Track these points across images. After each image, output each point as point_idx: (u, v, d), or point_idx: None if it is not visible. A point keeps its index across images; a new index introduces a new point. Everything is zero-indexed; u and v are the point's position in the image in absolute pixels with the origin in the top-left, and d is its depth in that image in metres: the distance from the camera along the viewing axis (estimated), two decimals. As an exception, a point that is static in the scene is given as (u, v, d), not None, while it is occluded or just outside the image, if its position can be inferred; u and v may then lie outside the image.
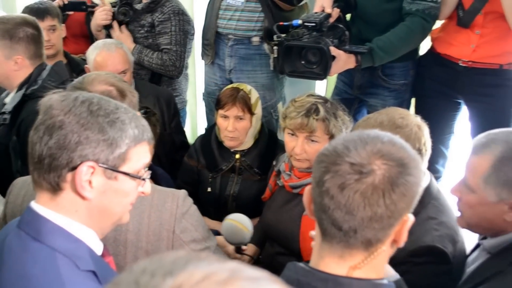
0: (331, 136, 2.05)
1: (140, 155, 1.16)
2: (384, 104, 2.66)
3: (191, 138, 3.84)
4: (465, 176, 1.55)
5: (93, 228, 1.16)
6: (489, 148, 1.50)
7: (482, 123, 2.61)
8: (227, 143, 2.51)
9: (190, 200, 1.62)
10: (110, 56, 2.69)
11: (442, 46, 2.69)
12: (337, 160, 1.01)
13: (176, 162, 2.80)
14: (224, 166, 2.56)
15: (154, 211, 1.54)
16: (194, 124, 4.13)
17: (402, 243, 1.06)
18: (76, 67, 3.02)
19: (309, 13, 2.49)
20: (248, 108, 2.44)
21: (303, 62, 2.41)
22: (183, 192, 1.61)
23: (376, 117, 1.70)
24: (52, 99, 1.11)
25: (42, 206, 1.13)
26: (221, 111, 2.45)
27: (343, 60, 2.42)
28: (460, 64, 2.62)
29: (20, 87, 2.23)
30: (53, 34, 2.97)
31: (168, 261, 0.60)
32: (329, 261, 1.05)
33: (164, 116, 2.90)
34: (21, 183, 1.62)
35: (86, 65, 2.78)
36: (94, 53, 2.71)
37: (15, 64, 2.23)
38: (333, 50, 2.38)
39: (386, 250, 1.05)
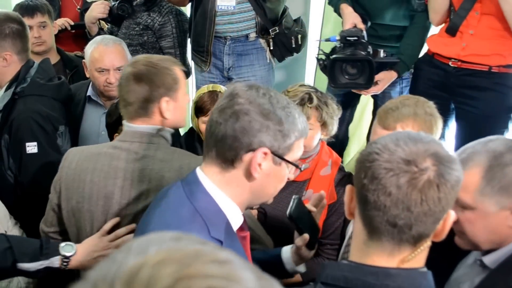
0: (323, 124, 2.09)
1: (300, 147, 1.30)
2: (394, 90, 2.86)
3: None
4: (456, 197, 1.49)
5: (241, 204, 1.29)
6: (472, 161, 1.41)
7: (466, 126, 2.63)
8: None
9: None
10: (107, 50, 2.59)
11: (435, 45, 2.69)
12: (391, 157, 1.03)
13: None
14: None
15: None
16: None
17: (443, 236, 1.09)
18: (69, 64, 3.02)
19: (345, 29, 2.67)
20: None
21: (346, 76, 2.62)
22: None
23: (408, 111, 1.78)
24: (237, 87, 1.24)
25: (205, 175, 1.27)
26: (204, 118, 2.42)
27: (387, 79, 2.76)
28: (450, 65, 2.62)
29: (9, 85, 2.22)
30: (44, 31, 2.93)
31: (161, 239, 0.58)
32: (377, 259, 1.07)
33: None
34: (75, 151, 1.86)
35: (83, 60, 2.71)
36: (91, 48, 2.63)
37: (3, 61, 2.22)
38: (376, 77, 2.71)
39: (429, 244, 1.08)
